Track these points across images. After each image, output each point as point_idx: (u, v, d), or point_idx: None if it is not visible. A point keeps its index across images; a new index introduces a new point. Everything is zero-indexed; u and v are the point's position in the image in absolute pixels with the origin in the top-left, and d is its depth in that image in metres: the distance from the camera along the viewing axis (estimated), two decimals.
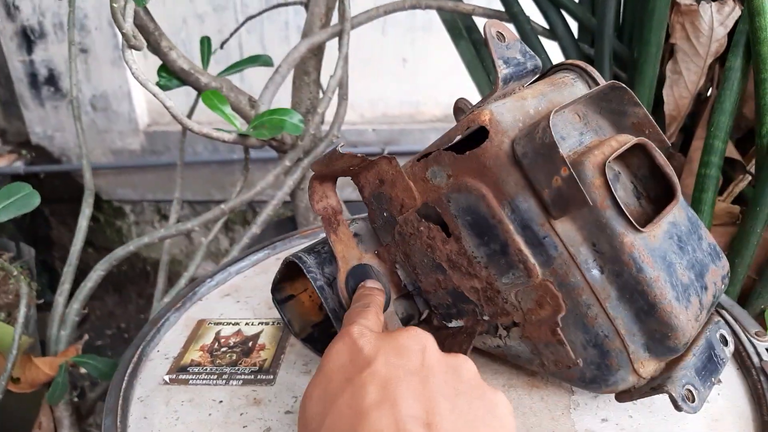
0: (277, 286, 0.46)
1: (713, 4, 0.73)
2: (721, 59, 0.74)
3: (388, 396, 0.27)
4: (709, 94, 0.78)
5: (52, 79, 1.91)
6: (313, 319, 0.46)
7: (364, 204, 0.41)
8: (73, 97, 0.88)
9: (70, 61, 0.86)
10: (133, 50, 0.63)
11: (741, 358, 0.44)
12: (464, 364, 0.31)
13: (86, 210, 0.88)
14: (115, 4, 0.58)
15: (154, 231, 0.81)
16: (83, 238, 0.87)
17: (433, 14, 0.94)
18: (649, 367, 0.35)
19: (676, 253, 0.34)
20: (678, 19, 0.73)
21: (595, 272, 0.33)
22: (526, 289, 0.35)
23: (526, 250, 0.34)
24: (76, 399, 0.82)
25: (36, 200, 0.69)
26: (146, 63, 1.93)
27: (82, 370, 0.90)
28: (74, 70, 0.87)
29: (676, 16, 0.73)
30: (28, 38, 1.87)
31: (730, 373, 0.44)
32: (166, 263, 0.97)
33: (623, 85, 0.35)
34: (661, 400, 0.42)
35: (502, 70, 0.36)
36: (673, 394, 0.33)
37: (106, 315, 1.93)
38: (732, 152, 0.76)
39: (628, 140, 0.34)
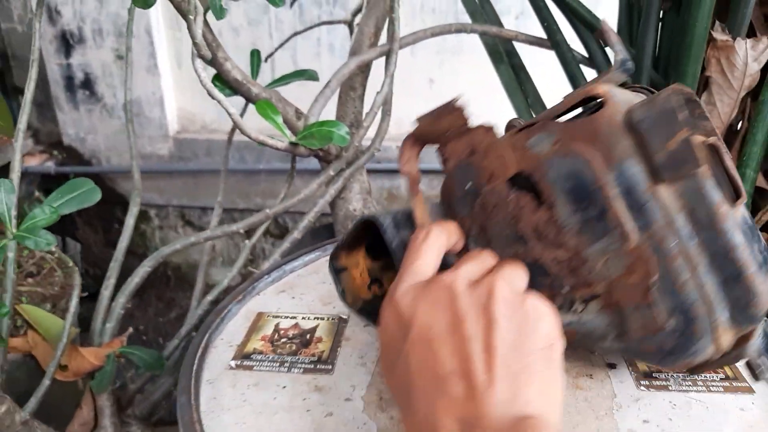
0: (336, 254, 0.47)
1: (748, 40, 0.77)
2: (754, 93, 0.78)
3: (428, 360, 0.28)
4: (740, 126, 0.82)
5: (87, 83, 1.97)
6: (362, 296, 0.48)
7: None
8: (127, 101, 0.92)
9: (126, 68, 0.91)
10: (200, 59, 0.67)
11: None
12: (491, 299, 0.31)
13: (134, 209, 0.92)
14: (190, 17, 0.63)
15: (200, 233, 0.84)
16: (130, 235, 0.91)
17: (462, 38, 0.98)
18: (726, 337, 0.38)
19: (749, 238, 0.37)
20: (714, 54, 0.76)
21: (690, 239, 0.36)
22: (618, 255, 0.36)
23: (626, 215, 0.36)
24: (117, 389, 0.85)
25: (97, 195, 0.73)
26: (180, 72, 1.98)
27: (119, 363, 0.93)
28: (129, 76, 0.91)
29: (713, 50, 0.76)
30: (67, 42, 1.93)
31: (764, 384, 0.47)
32: (204, 264, 1.00)
33: (696, 98, 0.38)
34: (698, 405, 0.44)
35: (618, 56, 0.39)
36: (754, 362, 0.37)
37: (127, 316, 1.97)
38: (761, 182, 0.80)
39: (711, 136, 0.36)
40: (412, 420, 0.29)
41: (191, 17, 0.63)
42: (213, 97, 0.68)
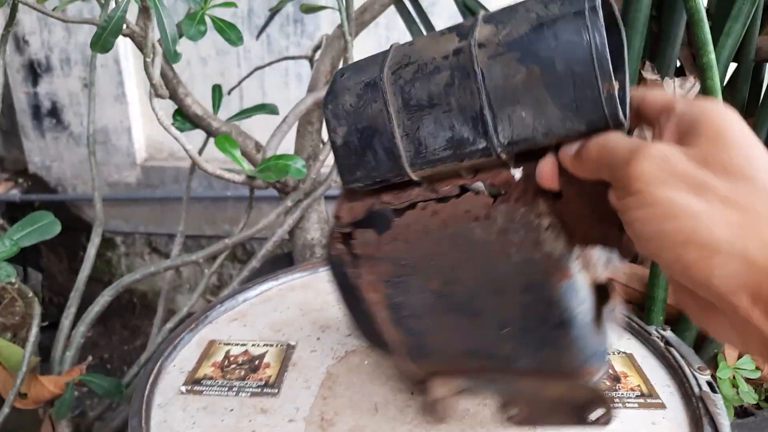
0: None
1: (676, 79, 0.82)
2: None
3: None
4: None
5: (54, 111, 1.98)
6: None
7: None
8: (90, 134, 0.95)
9: (90, 102, 0.93)
10: (158, 98, 0.71)
11: (684, 388, 0.51)
12: None
13: (95, 239, 0.94)
14: (147, 59, 0.66)
15: (160, 261, 0.87)
16: (91, 265, 0.93)
17: None
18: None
19: None
20: None
21: None
22: None
23: None
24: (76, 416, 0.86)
25: (57, 228, 0.76)
26: (148, 101, 2.01)
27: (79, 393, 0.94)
28: (92, 110, 0.94)
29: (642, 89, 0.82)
30: (34, 71, 1.95)
31: (675, 401, 0.51)
32: (166, 292, 1.02)
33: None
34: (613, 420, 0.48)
35: None
36: None
37: (90, 345, 1.96)
38: None
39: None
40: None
41: (148, 59, 0.66)
42: (171, 134, 0.71)
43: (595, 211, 0.35)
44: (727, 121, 0.29)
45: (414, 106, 0.35)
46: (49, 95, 1.98)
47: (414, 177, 0.37)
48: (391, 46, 0.38)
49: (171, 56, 0.64)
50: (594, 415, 0.43)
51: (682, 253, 0.27)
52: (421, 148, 0.36)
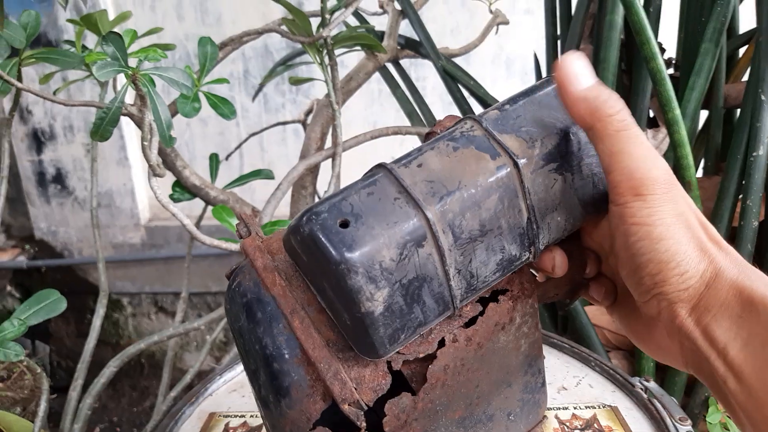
0: None
1: (648, 131, 0.86)
2: None
3: None
4: None
5: (59, 178, 2.03)
6: None
7: None
8: (93, 208, 0.98)
9: (92, 177, 0.97)
10: (157, 177, 0.74)
11: None
12: None
13: (101, 310, 0.97)
14: (145, 142, 0.70)
15: (163, 326, 0.89)
16: (96, 336, 0.96)
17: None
18: None
19: None
20: None
21: None
22: None
23: None
24: None
25: (63, 305, 0.79)
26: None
27: None
28: (95, 185, 0.98)
29: None
30: (38, 139, 2.00)
31: None
32: (170, 359, 1.05)
33: None
34: None
35: None
36: None
37: (100, 408, 1.96)
38: None
39: None
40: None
41: (146, 142, 0.70)
42: (170, 211, 0.74)
43: (565, 284, 0.40)
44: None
45: (466, 239, 0.32)
46: (54, 162, 2.03)
47: (457, 310, 0.34)
48: (374, 172, 0.33)
49: (166, 141, 0.68)
50: None
51: (657, 267, 0.32)
52: (473, 281, 0.33)
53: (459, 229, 0.32)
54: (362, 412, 0.32)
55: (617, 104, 0.32)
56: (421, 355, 0.35)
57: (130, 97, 0.74)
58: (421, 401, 0.35)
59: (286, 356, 0.33)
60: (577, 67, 0.32)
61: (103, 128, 0.66)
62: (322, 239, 0.30)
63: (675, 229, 0.31)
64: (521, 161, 0.33)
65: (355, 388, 0.33)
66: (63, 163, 2.03)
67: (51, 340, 2.13)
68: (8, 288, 2.05)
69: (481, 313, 0.36)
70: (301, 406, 0.33)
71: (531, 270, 0.39)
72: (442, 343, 0.35)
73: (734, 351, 0.30)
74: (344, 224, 0.30)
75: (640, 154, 0.31)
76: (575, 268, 0.39)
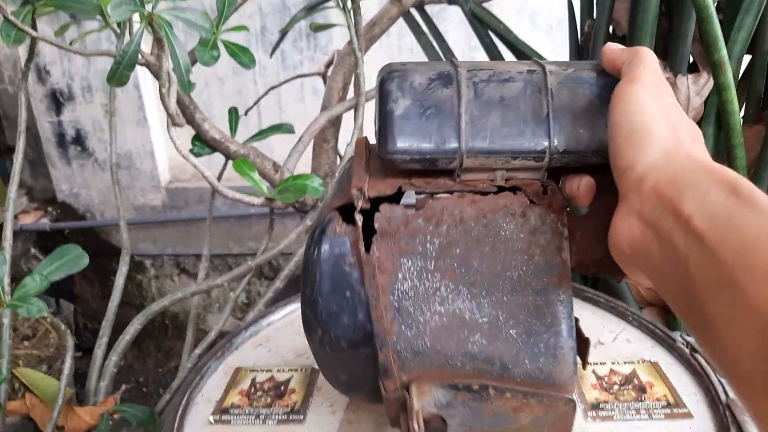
0: None
1: (690, 76, 0.81)
2: (699, 125, 0.83)
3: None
4: None
5: (79, 139, 2.03)
6: None
7: None
8: (113, 164, 0.97)
9: (111, 132, 0.95)
10: (176, 127, 0.72)
11: (711, 396, 0.51)
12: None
13: (123, 268, 0.96)
14: (163, 89, 0.67)
15: (186, 287, 0.88)
16: (120, 294, 0.95)
17: None
18: None
19: None
20: None
21: None
22: None
23: None
24: None
25: (85, 260, 0.77)
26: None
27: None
28: (114, 138, 0.96)
29: None
30: (57, 100, 1.99)
31: (701, 409, 0.50)
32: (194, 317, 1.04)
33: None
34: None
35: None
36: None
37: (126, 369, 1.99)
38: None
39: None
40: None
41: (164, 90, 0.67)
42: (190, 162, 0.72)
43: (603, 234, 0.39)
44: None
45: (486, 100, 0.40)
46: (73, 123, 2.02)
47: (465, 161, 0.40)
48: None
49: (185, 86, 0.65)
50: None
51: (625, 140, 0.36)
52: (483, 136, 0.40)
53: (481, 91, 0.40)
54: (361, 196, 0.41)
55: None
56: (428, 190, 0.41)
57: (147, 45, 0.71)
58: (413, 222, 0.41)
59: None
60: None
61: (119, 73, 0.64)
62: (385, 68, 0.41)
63: (650, 108, 0.36)
64: (549, 68, 0.41)
65: (366, 186, 0.41)
66: (82, 124, 2.02)
67: (76, 302, 2.15)
68: (32, 250, 2.06)
69: (496, 193, 0.41)
70: (331, 202, 0.44)
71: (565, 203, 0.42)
72: (448, 194, 0.41)
73: (698, 221, 0.30)
74: (402, 65, 0.41)
75: (649, 59, 0.38)
76: (599, 228, 0.40)
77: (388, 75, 0.40)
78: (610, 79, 0.40)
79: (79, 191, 2.09)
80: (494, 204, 0.41)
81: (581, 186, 0.40)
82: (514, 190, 0.41)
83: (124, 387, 0.86)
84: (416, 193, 0.42)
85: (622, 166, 0.35)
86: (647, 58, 0.38)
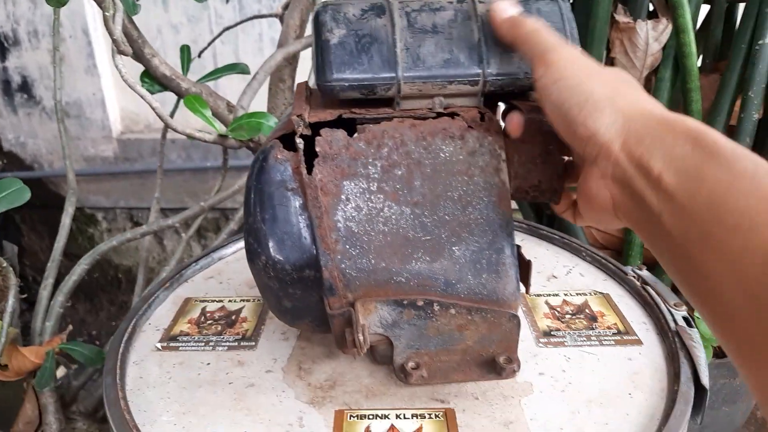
0: None
1: (649, 21, 0.82)
2: (657, 71, 0.83)
3: None
4: None
5: (25, 86, 1.94)
6: None
7: None
8: (57, 101, 0.92)
9: (55, 69, 0.91)
10: (121, 55, 0.69)
11: (660, 324, 0.52)
12: None
13: (69, 209, 0.93)
14: (107, 13, 0.64)
15: (135, 228, 0.85)
16: (66, 234, 0.92)
17: None
18: None
19: None
20: (617, 36, 0.81)
21: None
22: None
23: None
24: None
25: (27, 195, 0.74)
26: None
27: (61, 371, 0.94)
28: (58, 76, 0.91)
29: (615, 32, 0.81)
30: (1, 45, 1.90)
31: (651, 337, 0.51)
32: (145, 260, 1.01)
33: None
34: (590, 358, 0.49)
35: None
36: None
37: (78, 322, 1.95)
38: None
39: None
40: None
41: (108, 13, 0.64)
42: (137, 92, 0.69)
43: (538, 157, 0.42)
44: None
45: (418, 28, 0.41)
46: (19, 69, 1.93)
47: (402, 87, 0.41)
48: None
49: (130, 8, 0.62)
50: (501, 368, 0.43)
51: (579, 111, 0.35)
52: (418, 62, 0.41)
53: (414, 20, 0.41)
54: (301, 122, 0.40)
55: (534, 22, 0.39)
56: (364, 116, 0.42)
57: None
58: (354, 145, 0.41)
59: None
60: (504, 5, 0.41)
61: None
62: (321, 3, 0.42)
63: (587, 76, 0.36)
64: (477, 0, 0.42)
65: (307, 114, 0.41)
66: (29, 71, 1.93)
67: (25, 254, 2.09)
68: None
69: (435, 118, 0.42)
70: (273, 133, 0.45)
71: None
72: (388, 120, 0.42)
73: (668, 177, 0.31)
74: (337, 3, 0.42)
75: (548, 38, 0.38)
76: (551, 165, 0.43)
77: (323, 8, 0.41)
78: (536, 5, 0.42)
79: (26, 140, 2.01)
80: (433, 127, 0.42)
81: (512, 119, 0.42)
82: (452, 115, 0.42)
83: (70, 327, 0.84)
84: (357, 121, 0.42)
85: (585, 135, 0.35)
86: (545, 31, 0.39)
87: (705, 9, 0.88)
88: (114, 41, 0.66)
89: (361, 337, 0.40)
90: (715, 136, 0.31)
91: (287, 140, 0.42)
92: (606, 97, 0.35)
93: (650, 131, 0.33)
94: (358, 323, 0.41)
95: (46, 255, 2.09)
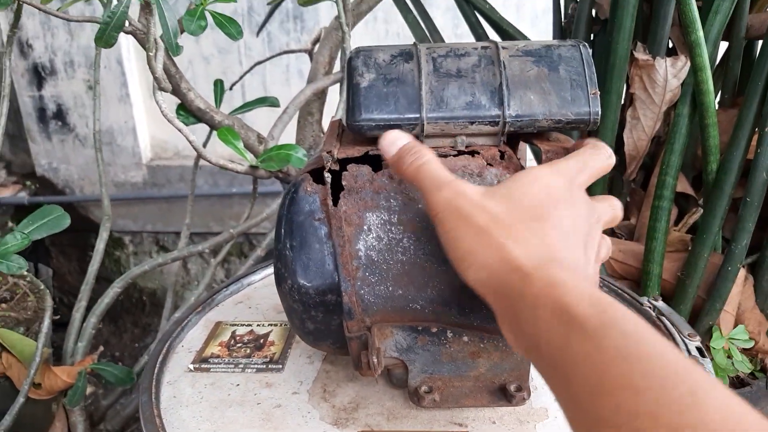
0: None
1: (668, 59, 0.84)
2: (675, 106, 0.85)
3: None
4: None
5: (60, 114, 2.01)
6: None
7: None
8: (96, 131, 0.97)
9: (95, 100, 0.95)
10: (162, 92, 0.73)
11: None
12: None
13: (104, 234, 0.96)
14: (150, 53, 0.68)
15: (167, 253, 0.89)
16: (100, 259, 0.95)
17: None
18: None
19: None
20: (636, 72, 0.83)
21: None
22: None
23: None
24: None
25: (66, 221, 0.78)
26: (152, 101, 2.02)
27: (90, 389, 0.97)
28: (98, 106, 0.96)
29: (635, 69, 0.83)
30: (39, 75, 1.97)
31: None
32: (173, 284, 1.04)
33: None
34: None
35: None
36: None
37: (102, 343, 1.98)
38: (687, 188, 0.86)
39: None
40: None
41: (151, 53, 0.68)
42: (175, 126, 0.73)
43: None
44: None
45: (443, 72, 0.44)
46: (54, 98, 2.00)
47: (425, 127, 0.43)
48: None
49: (173, 49, 0.66)
50: (512, 395, 0.45)
51: (454, 261, 0.37)
52: (441, 104, 0.43)
53: (439, 65, 0.44)
54: (330, 158, 0.43)
55: (416, 152, 0.40)
56: None
57: (132, 14, 0.71)
58: (378, 180, 0.44)
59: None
60: (389, 138, 0.41)
61: (107, 34, 0.64)
62: (354, 49, 0.45)
63: (456, 224, 0.37)
64: (502, 44, 0.45)
65: (336, 150, 0.44)
66: (63, 99, 2.00)
67: (54, 277, 2.13)
68: (9, 224, 2.04)
69: (455, 156, 0.45)
70: (304, 168, 0.48)
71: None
72: None
73: (532, 347, 0.33)
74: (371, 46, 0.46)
75: (428, 179, 0.39)
76: None
77: (356, 54, 0.44)
78: (557, 51, 0.44)
79: (59, 166, 2.07)
80: (454, 164, 0.44)
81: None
82: (473, 153, 0.44)
83: (101, 348, 0.87)
84: (383, 158, 0.44)
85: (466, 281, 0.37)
86: (426, 169, 0.39)
87: (724, 45, 0.90)
88: (155, 79, 0.70)
89: (375, 360, 0.43)
90: (580, 310, 0.30)
91: (317, 174, 0.45)
92: (470, 252, 0.36)
93: (514, 295, 0.34)
94: (373, 346, 0.43)
95: (74, 277, 2.14)
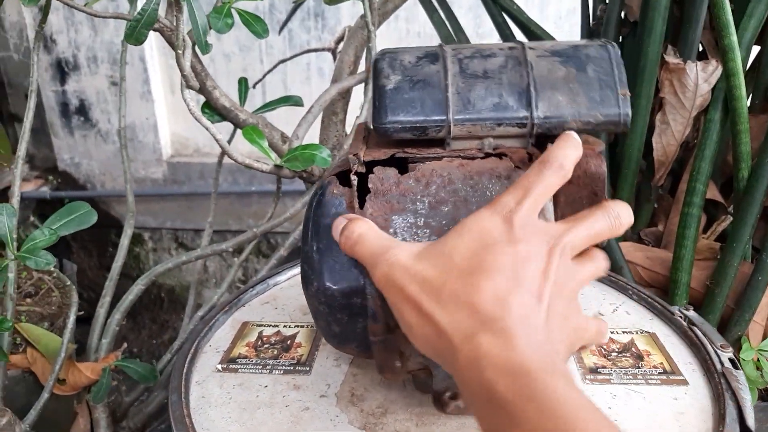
0: None
1: (698, 63, 0.83)
2: (706, 111, 0.84)
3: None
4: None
5: (82, 109, 2.03)
6: None
7: None
8: (121, 128, 0.97)
9: (120, 97, 0.96)
10: (189, 90, 0.73)
11: (706, 365, 0.52)
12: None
13: (128, 230, 0.97)
14: (179, 51, 0.68)
15: (190, 252, 0.89)
16: (124, 255, 0.96)
17: None
18: None
19: None
20: (667, 76, 0.82)
21: None
22: None
23: None
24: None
25: (93, 218, 0.78)
26: (173, 98, 2.03)
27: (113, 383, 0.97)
28: (123, 105, 0.96)
29: (665, 72, 0.82)
30: (62, 70, 1.99)
31: (697, 377, 0.52)
32: (195, 282, 1.05)
33: None
34: (636, 396, 0.49)
35: None
36: None
37: (120, 340, 2.00)
38: (716, 195, 0.85)
39: None
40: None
41: (179, 51, 0.68)
42: (202, 124, 0.73)
43: (584, 198, 0.44)
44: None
45: (470, 74, 0.43)
46: (77, 93, 2.02)
47: (452, 129, 0.43)
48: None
49: (203, 47, 0.66)
50: None
51: (409, 337, 0.38)
52: (468, 106, 0.43)
53: (465, 66, 0.43)
54: (357, 161, 0.43)
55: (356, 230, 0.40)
56: (419, 156, 0.44)
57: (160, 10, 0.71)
58: (404, 182, 0.43)
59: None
60: (333, 224, 0.42)
61: (138, 31, 0.64)
62: (380, 51, 0.46)
63: (392, 298, 0.37)
64: (529, 45, 0.44)
65: (362, 153, 0.44)
66: (86, 95, 2.02)
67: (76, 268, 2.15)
68: (31, 218, 2.07)
69: (483, 158, 0.44)
70: (331, 170, 0.48)
71: None
72: (437, 159, 0.44)
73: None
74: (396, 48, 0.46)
75: (366, 254, 0.39)
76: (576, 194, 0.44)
77: (381, 56, 0.44)
78: (585, 51, 0.43)
79: (81, 161, 2.09)
80: (481, 167, 0.43)
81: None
82: (500, 156, 0.44)
83: (125, 345, 0.87)
84: (409, 160, 0.44)
85: (424, 351, 0.37)
86: (365, 244, 0.40)
87: (755, 49, 0.89)
88: (183, 76, 0.70)
89: (398, 364, 0.42)
90: (500, 387, 0.31)
91: (343, 177, 0.45)
92: (410, 325, 0.36)
93: (450, 368, 0.35)
94: (397, 351, 0.43)
95: (94, 272, 2.16)
